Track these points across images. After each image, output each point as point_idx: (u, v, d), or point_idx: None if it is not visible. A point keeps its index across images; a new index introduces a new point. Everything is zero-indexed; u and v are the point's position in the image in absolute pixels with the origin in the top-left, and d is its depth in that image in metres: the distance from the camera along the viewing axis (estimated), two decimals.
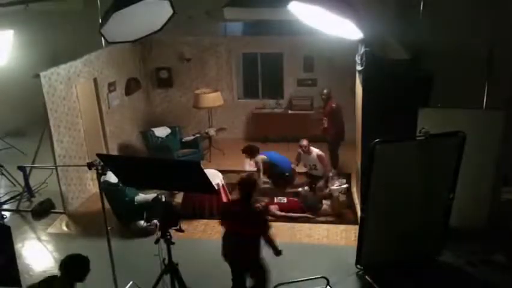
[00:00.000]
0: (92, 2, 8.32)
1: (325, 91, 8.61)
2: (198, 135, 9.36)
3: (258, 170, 8.04)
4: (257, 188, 5.19)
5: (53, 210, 7.71)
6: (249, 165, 9.30)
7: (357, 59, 6.42)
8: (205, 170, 4.22)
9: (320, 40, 9.25)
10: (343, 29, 3.45)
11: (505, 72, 6.84)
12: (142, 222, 6.85)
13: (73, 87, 7.85)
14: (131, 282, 5.56)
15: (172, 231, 4.43)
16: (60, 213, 7.61)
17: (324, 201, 7.48)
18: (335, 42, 7.67)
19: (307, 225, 7.09)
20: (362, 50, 6.14)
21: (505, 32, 6.47)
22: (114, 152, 9.11)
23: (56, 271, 6.20)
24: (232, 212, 4.94)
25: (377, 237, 5.60)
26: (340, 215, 7.27)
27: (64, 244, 6.86)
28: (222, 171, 7.88)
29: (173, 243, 4.41)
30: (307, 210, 7.26)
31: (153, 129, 9.13)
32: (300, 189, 7.83)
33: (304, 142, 7.97)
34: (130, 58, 9.89)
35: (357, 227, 6.26)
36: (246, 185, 4.77)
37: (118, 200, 6.94)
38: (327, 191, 7.73)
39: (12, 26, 8.07)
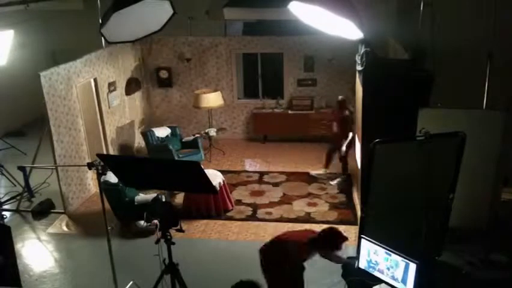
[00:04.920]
0: (92, 2, 8.33)
1: (340, 98, 8.31)
2: (198, 135, 9.36)
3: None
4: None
5: (53, 210, 7.71)
6: (249, 166, 9.32)
7: (357, 59, 6.41)
8: (205, 170, 4.22)
9: (319, 40, 9.31)
10: (343, 29, 3.45)
11: (505, 72, 6.84)
12: (142, 222, 6.85)
13: (73, 87, 7.85)
14: (131, 282, 5.56)
15: (172, 231, 4.43)
16: (61, 213, 7.61)
17: None
18: (335, 42, 7.71)
19: (307, 225, 7.09)
20: (362, 50, 6.14)
21: (505, 32, 6.47)
22: (114, 152, 9.11)
23: (55, 271, 6.22)
24: None
25: (376, 238, 5.59)
26: None
27: (64, 244, 6.86)
28: (222, 171, 7.88)
29: (173, 243, 4.41)
30: None
31: (153, 129, 9.13)
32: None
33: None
34: (130, 58, 9.89)
35: (357, 227, 6.27)
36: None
37: (118, 200, 6.94)
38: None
39: (12, 26, 8.08)
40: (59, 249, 6.76)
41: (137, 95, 10.18)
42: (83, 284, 6.02)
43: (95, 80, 8.57)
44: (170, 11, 4.16)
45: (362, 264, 4.66)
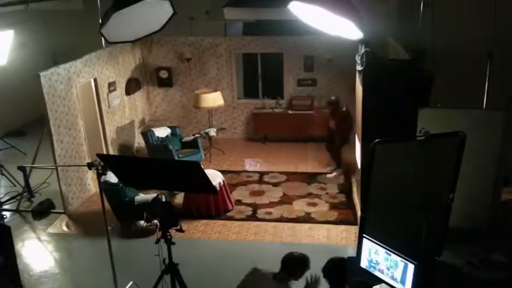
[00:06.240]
0: (92, 2, 8.33)
1: (332, 98, 8.72)
2: (197, 135, 9.37)
3: None
4: None
5: (53, 210, 7.71)
6: (249, 165, 9.32)
7: (357, 59, 6.41)
8: (205, 170, 4.21)
9: (319, 40, 9.32)
10: (343, 29, 3.45)
11: (505, 72, 6.84)
12: (142, 222, 6.85)
13: (73, 87, 7.85)
14: (131, 282, 5.56)
15: (172, 231, 4.43)
16: (60, 213, 7.61)
17: None
18: (335, 42, 7.74)
19: (307, 225, 7.10)
20: (362, 50, 6.14)
21: (505, 32, 6.47)
22: (114, 152, 9.11)
23: (55, 271, 6.23)
24: None
25: (377, 238, 5.59)
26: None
27: (64, 244, 6.86)
28: (222, 171, 7.88)
29: (173, 243, 4.41)
30: None
31: (153, 129, 9.13)
32: None
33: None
34: (130, 58, 9.89)
35: (357, 227, 6.27)
36: None
37: (118, 200, 6.95)
38: None
39: (12, 26, 8.08)
40: (59, 249, 6.76)
41: (137, 95, 10.18)
42: (83, 284, 6.02)
43: (95, 80, 8.57)
44: (170, 11, 4.17)
45: (363, 263, 4.67)
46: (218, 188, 7.21)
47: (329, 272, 4.01)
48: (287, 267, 4.05)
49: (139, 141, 10.03)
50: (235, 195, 8.02)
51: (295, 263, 4.07)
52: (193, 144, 9.15)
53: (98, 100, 8.70)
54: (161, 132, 9.13)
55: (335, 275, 4.03)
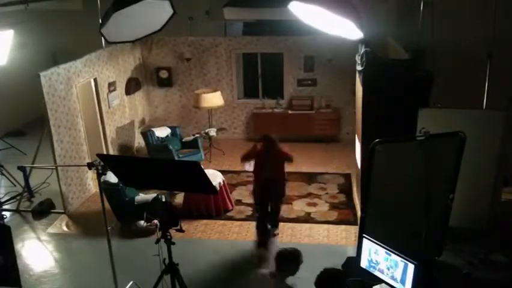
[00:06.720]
0: (92, 2, 8.33)
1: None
2: (197, 135, 9.36)
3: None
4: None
5: (53, 210, 7.71)
6: (249, 165, 9.30)
7: (357, 59, 6.41)
8: (205, 170, 4.22)
9: (320, 40, 9.31)
10: (343, 29, 3.46)
11: (505, 72, 6.85)
12: (142, 222, 6.85)
13: (73, 87, 7.85)
14: (131, 282, 5.56)
15: (172, 231, 4.43)
16: (60, 213, 7.60)
17: None
18: (335, 42, 7.74)
19: (307, 225, 7.10)
20: (362, 50, 6.14)
21: (505, 32, 6.47)
22: (114, 152, 9.11)
23: (55, 271, 6.22)
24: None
25: (377, 238, 5.59)
26: None
27: (64, 244, 6.86)
28: (222, 171, 7.88)
29: (173, 243, 4.41)
30: None
31: (153, 129, 9.13)
32: None
33: None
34: (130, 58, 9.89)
35: (357, 227, 6.26)
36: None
37: (118, 200, 6.94)
38: None
39: (12, 26, 8.08)
40: (59, 249, 6.76)
41: (137, 95, 10.18)
42: (83, 284, 6.02)
43: (95, 80, 8.57)
44: (170, 11, 4.18)
45: (363, 263, 4.67)
46: (218, 188, 7.20)
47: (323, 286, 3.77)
48: (281, 263, 4.05)
49: (139, 141, 10.03)
50: (235, 195, 8.02)
51: (287, 259, 4.07)
52: (193, 144, 9.15)
53: (98, 100, 8.69)
54: (161, 132, 9.13)
55: None
